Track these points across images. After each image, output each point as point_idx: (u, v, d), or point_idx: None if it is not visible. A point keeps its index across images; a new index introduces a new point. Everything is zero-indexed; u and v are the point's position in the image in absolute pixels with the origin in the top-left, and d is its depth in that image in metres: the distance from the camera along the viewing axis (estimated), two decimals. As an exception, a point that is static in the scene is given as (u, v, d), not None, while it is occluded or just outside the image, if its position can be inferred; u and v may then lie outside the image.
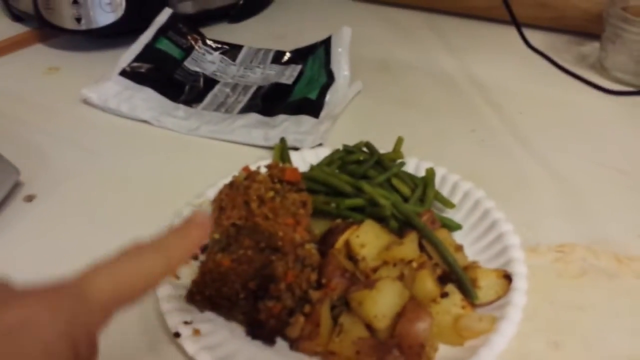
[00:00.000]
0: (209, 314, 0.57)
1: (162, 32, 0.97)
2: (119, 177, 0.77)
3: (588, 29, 1.02)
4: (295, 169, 0.63)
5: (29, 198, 0.73)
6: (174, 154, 0.81)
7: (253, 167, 0.64)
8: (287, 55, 0.97)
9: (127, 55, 0.92)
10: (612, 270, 0.62)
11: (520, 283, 0.56)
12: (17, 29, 1.11)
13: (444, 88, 0.94)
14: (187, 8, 1.06)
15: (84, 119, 0.88)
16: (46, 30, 1.06)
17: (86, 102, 0.89)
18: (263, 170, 0.63)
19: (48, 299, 0.32)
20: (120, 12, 1.00)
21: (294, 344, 0.53)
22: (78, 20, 1.00)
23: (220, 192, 0.61)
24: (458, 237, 0.63)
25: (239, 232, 0.56)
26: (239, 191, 0.60)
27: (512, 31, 1.00)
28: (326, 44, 0.92)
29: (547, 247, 0.64)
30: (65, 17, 1.00)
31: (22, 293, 0.33)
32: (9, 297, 0.32)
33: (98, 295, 0.34)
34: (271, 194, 0.59)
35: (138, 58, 0.93)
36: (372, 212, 0.63)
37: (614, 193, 0.72)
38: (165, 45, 0.96)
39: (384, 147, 0.74)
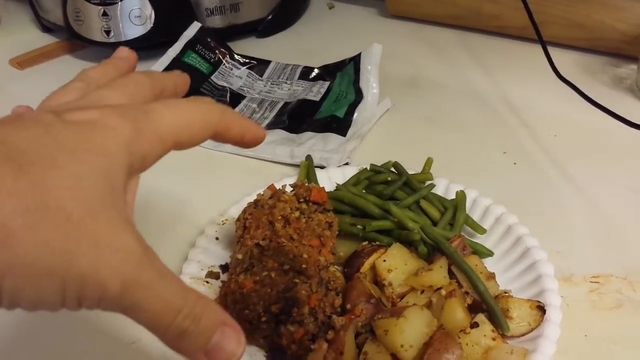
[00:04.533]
0: (229, 337, 0.55)
1: (190, 45, 0.96)
2: (141, 193, 0.75)
3: (625, 51, 0.99)
4: (322, 189, 0.61)
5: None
6: (198, 170, 0.80)
7: (278, 186, 0.62)
8: (315, 72, 0.96)
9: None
10: (649, 302, 0.59)
11: (553, 315, 0.54)
12: (46, 40, 1.12)
13: (475, 107, 0.92)
14: (216, 22, 1.05)
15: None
16: (75, 42, 1.06)
17: (112, 115, 0.88)
18: (289, 189, 0.62)
19: (125, 114, 0.33)
20: (149, 25, 0.99)
21: (316, 372, 0.51)
22: (107, 32, 0.99)
23: (245, 211, 0.60)
24: (489, 263, 0.61)
25: (263, 252, 0.55)
26: (263, 210, 0.59)
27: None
28: (355, 60, 0.91)
29: (582, 277, 0.62)
30: (95, 30, 1.00)
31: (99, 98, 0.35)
32: (89, 100, 0.35)
33: (159, 127, 0.34)
34: (296, 214, 0.58)
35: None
36: (399, 235, 0.61)
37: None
38: (193, 59, 0.95)
39: (412, 166, 0.72)
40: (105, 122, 0.31)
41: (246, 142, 0.40)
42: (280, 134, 0.83)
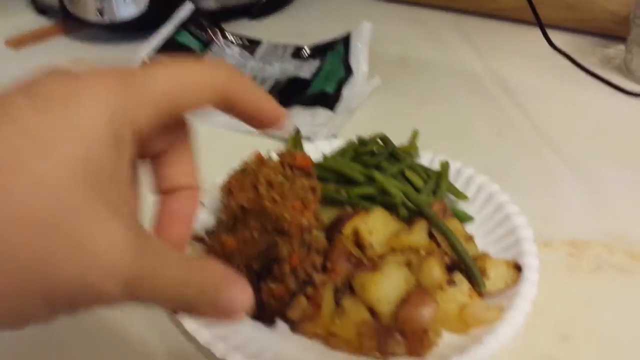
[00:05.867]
0: (213, 296, 0.56)
1: (183, 25, 0.97)
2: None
3: (615, 32, 1.00)
4: (307, 156, 0.62)
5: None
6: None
7: (265, 154, 0.63)
8: (306, 51, 0.97)
9: (147, 47, 0.93)
10: (627, 266, 0.60)
11: (530, 274, 0.55)
12: (41, 22, 1.13)
13: (465, 86, 0.93)
14: (209, 4, 1.06)
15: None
16: (70, 23, 1.07)
17: (105, 92, 0.90)
18: (274, 156, 0.63)
19: (105, 75, 0.29)
20: (142, 5, 1.00)
21: (294, 326, 0.52)
22: (101, 13, 1.01)
23: (230, 177, 0.60)
24: (470, 229, 0.62)
25: (246, 214, 0.56)
26: (248, 176, 0.59)
27: (536, 32, 0.98)
28: (345, 39, 0.92)
29: (561, 241, 0.63)
30: (89, 10, 1.01)
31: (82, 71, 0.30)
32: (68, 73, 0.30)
33: (152, 88, 0.30)
34: (280, 178, 0.59)
35: (158, 50, 0.93)
36: (382, 200, 0.62)
37: (632, 191, 0.70)
38: (185, 38, 0.96)
39: (400, 142, 0.73)
40: (83, 91, 0.28)
41: (263, 119, 0.35)
42: (270, 109, 0.84)
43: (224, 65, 0.33)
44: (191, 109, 0.32)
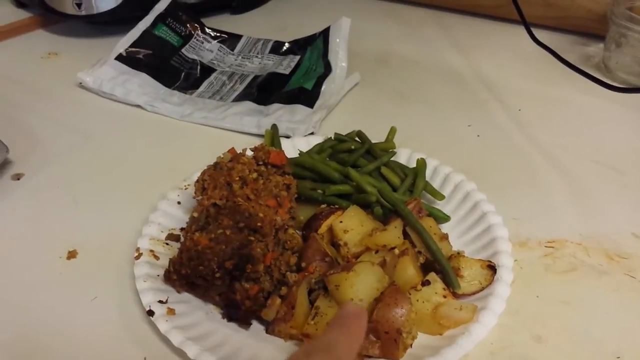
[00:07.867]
0: (186, 296, 0.55)
1: (161, 18, 0.96)
2: (107, 160, 0.76)
3: (593, 30, 1.01)
4: (281, 152, 0.62)
5: (17, 176, 0.73)
6: (165, 139, 0.80)
7: (239, 150, 0.63)
8: (286, 46, 0.96)
9: (125, 40, 0.92)
10: (602, 267, 0.60)
11: (504, 274, 0.55)
12: (20, 15, 1.11)
13: (444, 83, 0.92)
14: (189, -3, 1.05)
15: (79, 103, 0.87)
16: (48, 15, 1.05)
17: (82, 86, 0.89)
18: (249, 152, 0.62)
19: None
20: (120, -2, 0.99)
21: (269, 327, 0.52)
22: (78, 5, 0.99)
23: (204, 173, 0.60)
24: (447, 228, 0.62)
25: (219, 211, 0.55)
26: (222, 172, 0.59)
27: (517, 30, 0.99)
28: (325, 34, 0.91)
29: (538, 242, 0.63)
30: (66, 3, 1.00)
31: None
32: None
33: None
34: (254, 175, 0.58)
35: (135, 43, 0.92)
36: (358, 199, 0.62)
37: (609, 191, 0.70)
38: (163, 32, 0.95)
39: (379, 139, 0.72)
40: None
41: None
42: (248, 105, 0.83)
43: None
44: None
